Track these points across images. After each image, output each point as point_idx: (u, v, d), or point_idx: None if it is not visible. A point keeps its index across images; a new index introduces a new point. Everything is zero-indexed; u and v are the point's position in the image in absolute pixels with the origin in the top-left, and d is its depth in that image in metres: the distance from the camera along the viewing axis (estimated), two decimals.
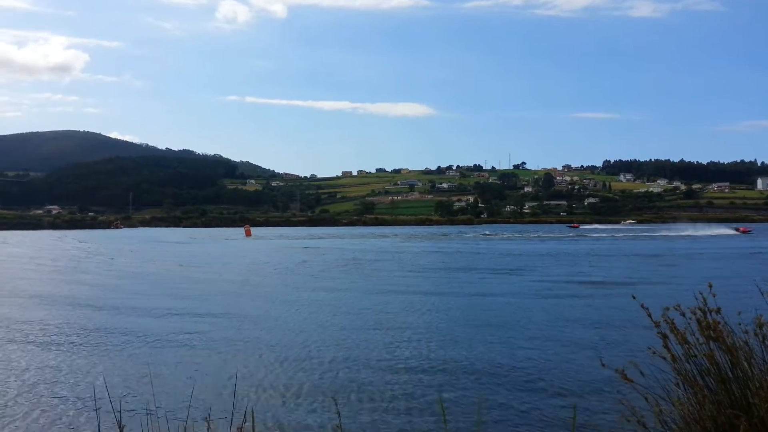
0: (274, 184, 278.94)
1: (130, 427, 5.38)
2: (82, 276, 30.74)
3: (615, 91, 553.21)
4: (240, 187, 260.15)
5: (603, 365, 4.87)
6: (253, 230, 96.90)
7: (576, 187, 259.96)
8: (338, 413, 7.84)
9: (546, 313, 17.26)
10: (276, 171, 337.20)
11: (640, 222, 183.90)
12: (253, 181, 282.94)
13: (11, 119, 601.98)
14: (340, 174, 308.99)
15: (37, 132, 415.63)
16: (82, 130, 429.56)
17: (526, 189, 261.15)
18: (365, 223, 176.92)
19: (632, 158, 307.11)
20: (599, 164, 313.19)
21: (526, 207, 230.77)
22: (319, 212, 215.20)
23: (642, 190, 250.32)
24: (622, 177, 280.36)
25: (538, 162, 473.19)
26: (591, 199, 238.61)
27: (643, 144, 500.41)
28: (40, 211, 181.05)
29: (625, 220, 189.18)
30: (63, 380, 10.57)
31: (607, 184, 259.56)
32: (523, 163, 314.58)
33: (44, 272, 32.94)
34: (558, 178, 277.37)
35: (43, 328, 15.70)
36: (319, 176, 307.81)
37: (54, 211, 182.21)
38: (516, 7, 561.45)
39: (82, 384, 10.27)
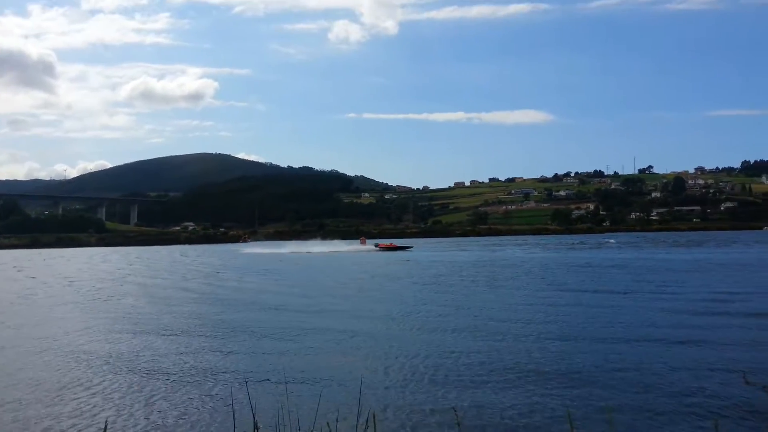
0: (387, 196, 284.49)
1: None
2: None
3: (755, 86, 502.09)
4: (355, 200, 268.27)
5: (747, 383, 4.54)
6: (368, 241, 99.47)
7: (711, 191, 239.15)
8: (458, 423, 7.94)
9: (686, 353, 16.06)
10: (389, 184, 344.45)
11: None
12: (367, 194, 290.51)
13: (155, 144, 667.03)
14: (452, 185, 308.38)
15: (175, 156, 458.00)
16: (214, 152, 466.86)
17: (653, 194, 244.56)
18: (479, 234, 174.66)
19: None
20: (737, 165, 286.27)
21: (654, 214, 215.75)
22: (432, 223, 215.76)
23: None
24: (764, 179, 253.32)
25: (666, 165, 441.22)
26: (728, 204, 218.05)
27: None
28: (178, 228, 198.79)
29: None
30: (205, 374, 11.62)
31: (747, 186, 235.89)
32: (650, 167, 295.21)
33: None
34: (690, 181, 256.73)
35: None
36: (431, 188, 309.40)
37: (190, 227, 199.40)
38: (645, 4, 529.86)
39: (219, 384, 11.20)
